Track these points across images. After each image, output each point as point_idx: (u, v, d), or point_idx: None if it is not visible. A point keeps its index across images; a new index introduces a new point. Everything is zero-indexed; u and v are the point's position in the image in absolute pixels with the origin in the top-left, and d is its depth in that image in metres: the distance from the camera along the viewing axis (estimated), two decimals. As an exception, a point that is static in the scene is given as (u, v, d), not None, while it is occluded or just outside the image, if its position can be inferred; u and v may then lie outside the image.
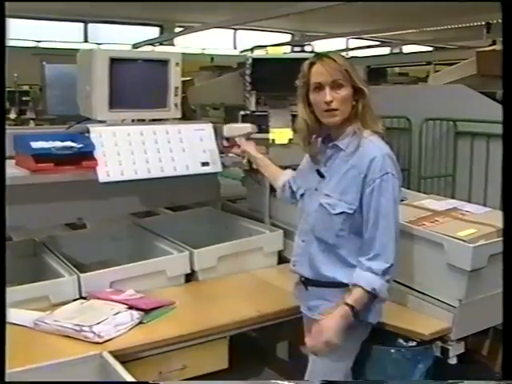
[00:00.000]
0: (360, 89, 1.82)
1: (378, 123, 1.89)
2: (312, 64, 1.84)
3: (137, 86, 2.58)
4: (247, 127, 2.55)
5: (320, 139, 1.94)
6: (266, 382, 1.91)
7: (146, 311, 2.20)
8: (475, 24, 8.58)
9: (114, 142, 2.45)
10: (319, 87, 1.82)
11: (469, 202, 2.83)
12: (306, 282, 1.98)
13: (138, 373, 1.82)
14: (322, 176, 1.92)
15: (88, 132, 2.44)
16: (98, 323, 2.05)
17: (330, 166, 1.90)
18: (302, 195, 2.00)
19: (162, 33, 14.41)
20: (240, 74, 3.18)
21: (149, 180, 2.49)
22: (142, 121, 2.68)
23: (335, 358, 1.92)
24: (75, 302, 2.28)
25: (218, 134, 2.93)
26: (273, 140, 2.91)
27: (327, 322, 1.79)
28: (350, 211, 1.83)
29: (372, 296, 1.82)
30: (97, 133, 2.43)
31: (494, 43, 6.84)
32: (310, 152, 1.96)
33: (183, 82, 2.81)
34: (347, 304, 1.79)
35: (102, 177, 2.36)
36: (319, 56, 1.85)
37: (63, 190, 2.61)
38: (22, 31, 12.50)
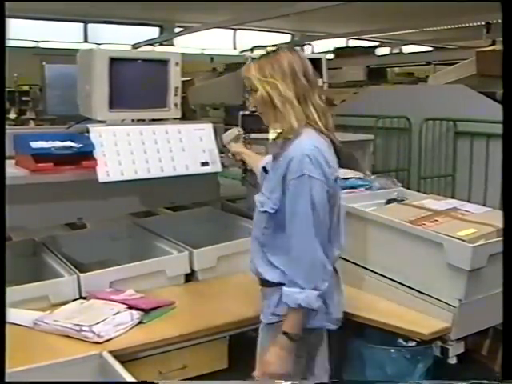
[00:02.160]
0: (265, 87, 1.81)
1: (295, 119, 1.79)
2: None
3: (137, 86, 2.58)
4: (234, 130, 2.58)
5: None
6: (266, 382, 1.90)
7: (146, 311, 2.20)
8: (475, 24, 8.59)
9: (114, 141, 2.45)
10: None
11: (468, 201, 2.84)
12: (260, 282, 1.97)
13: (137, 373, 1.81)
14: (266, 172, 1.95)
15: (88, 132, 2.44)
16: (98, 323, 2.05)
17: (274, 163, 1.90)
18: None
19: (161, 33, 14.43)
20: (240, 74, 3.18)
21: (148, 180, 2.49)
22: (141, 121, 2.68)
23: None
24: (75, 302, 2.28)
25: (217, 134, 2.93)
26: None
27: (269, 356, 1.80)
28: (272, 211, 1.82)
29: (306, 310, 1.76)
30: (96, 133, 2.43)
31: (493, 43, 6.84)
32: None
33: (183, 82, 2.81)
34: (284, 332, 1.77)
35: (102, 177, 2.36)
36: None
37: (63, 190, 2.61)
38: (22, 31, 12.53)
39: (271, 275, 1.87)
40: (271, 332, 1.89)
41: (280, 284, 1.82)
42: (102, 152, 2.40)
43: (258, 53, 3.13)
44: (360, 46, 12.46)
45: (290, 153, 1.77)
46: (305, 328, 1.82)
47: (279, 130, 1.86)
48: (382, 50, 13.29)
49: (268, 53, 1.88)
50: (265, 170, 1.97)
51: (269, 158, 2.11)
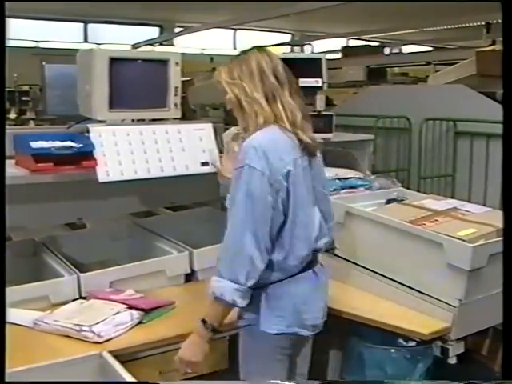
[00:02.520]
0: (232, 90, 1.84)
1: (262, 118, 1.80)
2: None
3: (136, 86, 2.58)
4: (232, 130, 2.60)
5: None
6: (267, 382, 1.90)
7: (146, 311, 2.20)
8: (475, 24, 8.59)
9: (114, 141, 2.45)
10: None
11: (469, 201, 2.84)
12: None
13: (137, 373, 1.81)
14: None
15: (88, 132, 2.44)
16: (98, 323, 2.05)
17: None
18: None
19: (161, 33, 14.43)
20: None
21: (148, 180, 2.49)
22: (141, 121, 2.68)
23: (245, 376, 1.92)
24: (75, 302, 2.28)
25: (217, 134, 2.93)
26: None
27: (185, 342, 1.84)
28: (228, 206, 1.85)
29: (225, 302, 1.73)
30: (96, 132, 2.43)
31: (493, 43, 6.84)
32: None
33: (183, 82, 2.81)
34: (202, 319, 1.79)
35: (102, 177, 2.36)
36: None
37: (63, 190, 2.61)
38: (22, 31, 12.53)
39: None
40: (245, 340, 1.91)
41: None
42: (101, 152, 2.40)
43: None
44: (368, 45, 12.41)
45: (244, 145, 1.79)
46: (270, 332, 1.82)
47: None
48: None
49: (238, 55, 1.90)
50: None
51: None
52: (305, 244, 1.85)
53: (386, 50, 11.54)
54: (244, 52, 1.90)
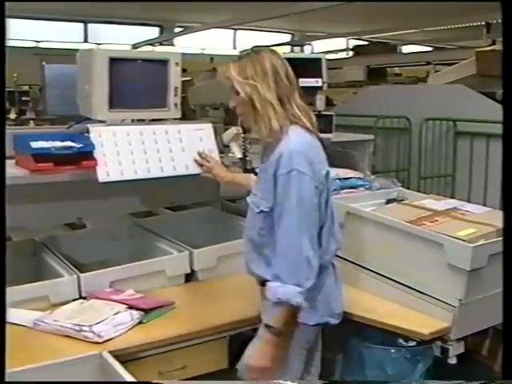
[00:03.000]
0: (245, 90, 1.82)
1: (276, 120, 1.80)
2: None
3: (136, 86, 2.58)
4: (233, 130, 2.60)
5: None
6: (268, 382, 1.91)
7: (146, 311, 2.20)
8: (475, 24, 8.59)
9: (114, 141, 2.44)
10: None
11: (468, 201, 2.84)
12: (259, 283, 1.99)
13: (137, 372, 1.81)
14: (256, 174, 1.99)
15: (88, 132, 2.44)
16: (98, 323, 2.05)
17: (263, 164, 1.91)
18: None
19: (161, 33, 14.43)
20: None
21: (148, 180, 2.49)
22: (141, 121, 2.68)
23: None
24: (75, 302, 2.28)
25: (217, 134, 2.93)
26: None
27: (250, 349, 1.85)
28: (267, 209, 1.83)
29: (289, 306, 1.75)
30: (96, 132, 2.43)
31: (493, 43, 6.84)
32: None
33: (183, 82, 2.81)
34: (265, 325, 1.79)
35: (102, 177, 2.36)
36: None
37: (63, 190, 2.61)
38: (22, 31, 12.53)
39: (269, 275, 1.85)
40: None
41: None
42: (102, 152, 2.40)
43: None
44: (381, 42, 12.27)
45: (279, 150, 1.78)
46: (307, 324, 1.87)
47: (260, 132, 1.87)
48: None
49: (249, 53, 1.88)
50: (254, 172, 1.99)
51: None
52: (333, 239, 1.93)
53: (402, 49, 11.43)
54: (255, 51, 1.88)
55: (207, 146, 2.61)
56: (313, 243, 1.78)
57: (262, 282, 1.92)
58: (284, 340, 1.81)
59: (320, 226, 1.85)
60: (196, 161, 2.50)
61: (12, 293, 2.03)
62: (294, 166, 1.74)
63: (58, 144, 2.35)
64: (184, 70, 2.69)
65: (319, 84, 3.28)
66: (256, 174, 1.97)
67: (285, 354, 1.85)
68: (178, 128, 2.61)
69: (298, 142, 1.78)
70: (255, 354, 1.83)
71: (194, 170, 2.54)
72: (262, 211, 1.85)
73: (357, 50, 10.50)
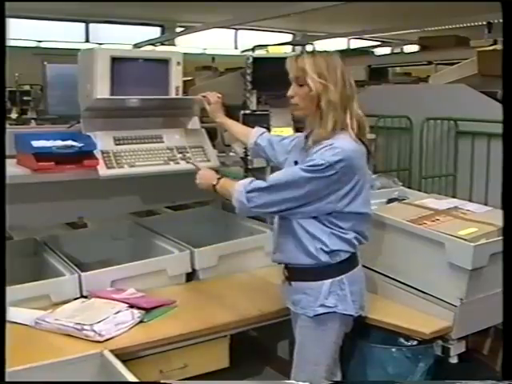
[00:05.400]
0: (317, 88, 1.87)
1: (332, 124, 1.88)
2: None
3: (138, 85, 2.58)
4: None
5: (305, 134, 2.05)
6: (281, 382, 1.93)
7: (147, 310, 2.20)
8: (476, 24, 8.58)
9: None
10: (291, 81, 1.96)
11: (470, 201, 2.83)
12: (289, 278, 2.06)
13: (138, 371, 1.81)
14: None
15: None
16: (99, 322, 2.05)
17: (303, 157, 1.97)
18: None
19: (163, 33, 14.41)
20: (241, 74, 3.18)
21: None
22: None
23: (316, 350, 2.01)
24: (76, 301, 2.28)
25: (218, 133, 2.94)
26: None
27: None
28: None
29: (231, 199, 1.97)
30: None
31: (495, 43, 6.83)
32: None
33: (184, 81, 2.81)
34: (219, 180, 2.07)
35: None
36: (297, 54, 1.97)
37: (64, 189, 2.62)
38: (24, 31, 12.53)
39: (304, 259, 1.96)
40: (320, 326, 1.98)
41: (325, 277, 1.95)
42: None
43: (259, 52, 3.13)
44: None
45: (327, 142, 1.86)
46: (346, 314, 1.98)
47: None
48: (383, 50, 13.27)
49: (321, 52, 1.94)
50: (296, 163, 2.02)
51: (261, 130, 2.37)
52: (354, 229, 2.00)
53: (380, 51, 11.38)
54: (328, 52, 1.95)
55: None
56: (284, 201, 1.89)
57: (305, 277, 2.00)
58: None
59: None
60: (201, 95, 2.54)
61: (13, 292, 2.04)
62: (327, 158, 1.81)
63: (60, 143, 2.35)
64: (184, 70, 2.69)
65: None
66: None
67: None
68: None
69: (347, 144, 1.86)
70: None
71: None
72: None
73: (422, 43, 9.84)
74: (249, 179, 1.99)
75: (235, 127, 2.51)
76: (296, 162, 2.01)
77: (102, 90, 2.47)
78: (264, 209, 1.94)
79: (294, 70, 1.93)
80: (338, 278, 1.96)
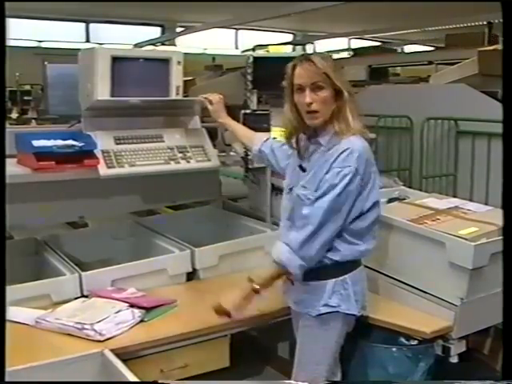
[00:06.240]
0: (340, 91, 1.89)
1: (357, 124, 1.91)
2: (294, 66, 1.92)
3: (138, 85, 2.58)
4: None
5: (305, 136, 2.02)
6: (282, 382, 1.94)
7: (148, 309, 2.21)
8: (477, 24, 8.57)
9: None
10: (301, 89, 1.90)
11: (470, 200, 2.83)
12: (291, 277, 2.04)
13: (139, 371, 1.82)
14: (304, 170, 1.99)
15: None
16: (100, 321, 2.05)
17: (311, 161, 1.96)
18: (290, 189, 2.06)
19: (163, 33, 14.42)
20: (241, 73, 3.18)
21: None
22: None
23: (318, 350, 2.02)
24: (77, 300, 2.28)
25: (219, 133, 2.93)
26: (274, 138, 2.91)
27: (225, 297, 1.99)
28: None
29: (284, 271, 1.91)
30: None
31: (495, 43, 6.82)
32: (296, 147, 2.04)
33: (185, 81, 2.81)
34: (249, 278, 1.94)
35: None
36: (301, 58, 1.92)
37: (65, 189, 2.62)
38: (24, 31, 12.55)
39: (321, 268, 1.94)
40: (323, 325, 1.98)
41: (329, 277, 1.95)
42: None
43: (259, 52, 3.13)
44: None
45: (341, 147, 1.86)
46: (349, 314, 1.98)
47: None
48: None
49: (331, 57, 1.97)
50: (301, 168, 2.01)
51: (266, 135, 2.37)
52: (368, 239, 2.02)
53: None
54: (328, 56, 1.96)
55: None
56: (331, 234, 1.88)
57: (311, 277, 1.97)
58: (252, 297, 1.93)
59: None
60: (203, 97, 2.53)
61: (14, 291, 2.05)
62: (351, 164, 1.84)
63: (60, 143, 2.35)
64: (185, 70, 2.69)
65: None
66: (304, 170, 1.99)
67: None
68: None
69: (360, 144, 1.88)
70: (228, 296, 1.96)
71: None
72: None
73: (450, 42, 9.34)
74: (284, 241, 1.90)
75: (238, 129, 2.50)
76: (300, 166, 2.00)
77: (102, 89, 2.46)
78: (322, 252, 1.90)
79: (313, 74, 1.87)
80: (342, 278, 1.96)
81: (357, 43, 14.72)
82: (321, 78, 1.87)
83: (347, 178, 1.84)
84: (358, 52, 10.57)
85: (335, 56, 10.43)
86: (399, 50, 13.37)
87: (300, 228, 1.88)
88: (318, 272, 1.95)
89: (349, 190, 1.85)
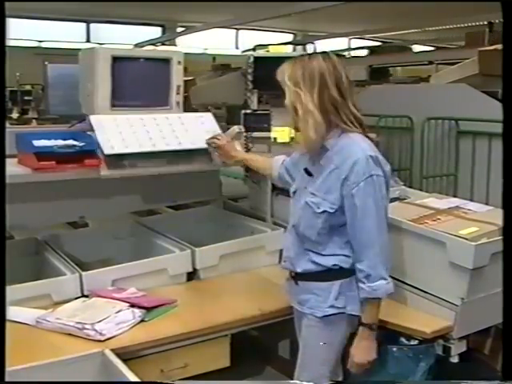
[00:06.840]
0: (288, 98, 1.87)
1: (354, 124, 1.87)
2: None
3: (139, 85, 2.58)
4: (234, 128, 2.59)
5: None
6: (285, 382, 1.94)
7: (148, 309, 2.21)
8: (477, 23, 8.57)
9: (116, 124, 2.41)
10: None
11: (471, 200, 2.83)
12: (295, 277, 2.03)
13: (139, 371, 1.81)
14: (310, 174, 1.97)
15: (91, 130, 2.42)
16: (100, 321, 2.05)
17: (318, 166, 1.93)
18: (294, 192, 2.05)
19: (163, 33, 14.43)
20: (242, 73, 3.18)
21: (153, 158, 2.44)
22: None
23: (322, 351, 2.00)
24: (77, 300, 2.28)
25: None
26: (274, 138, 2.91)
27: (357, 351, 1.92)
28: (332, 210, 1.87)
29: (380, 300, 1.90)
30: (97, 119, 2.41)
31: (496, 43, 6.82)
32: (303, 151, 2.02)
33: (185, 81, 2.81)
34: (362, 324, 1.90)
35: (107, 150, 2.30)
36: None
37: (65, 189, 2.62)
38: (25, 31, 12.56)
39: (328, 270, 1.93)
40: (328, 326, 1.97)
41: (336, 278, 1.93)
42: (103, 133, 2.36)
43: (260, 52, 3.13)
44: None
45: (352, 155, 1.82)
46: (352, 315, 1.95)
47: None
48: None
49: (303, 57, 1.90)
50: (306, 171, 1.99)
51: (282, 158, 2.25)
52: None
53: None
54: (310, 55, 1.91)
55: (210, 128, 2.56)
56: (386, 239, 1.86)
57: (315, 278, 1.97)
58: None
59: None
60: (207, 143, 2.46)
61: (14, 291, 2.05)
62: (372, 172, 1.80)
63: (61, 142, 2.35)
64: (185, 70, 2.69)
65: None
66: (311, 174, 1.96)
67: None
68: (178, 115, 2.60)
69: (369, 147, 1.84)
70: (362, 351, 1.92)
71: (200, 144, 2.48)
72: (324, 211, 1.88)
73: (469, 40, 9.01)
74: (372, 273, 1.86)
75: (255, 161, 2.41)
76: (306, 170, 1.98)
77: (103, 89, 2.47)
78: (387, 264, 1.88)
79: (279, 80, 1.92)
80: (348, 279, 1.94)
81: (357, 43, 14.74)
82: (282, 85, 1.90)
83: (374, 189, 1.81)
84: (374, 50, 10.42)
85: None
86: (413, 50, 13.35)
87: (367, 258, 1.85)
88: (324, 273, 1.94)
89: (381, 196, 1.84)
